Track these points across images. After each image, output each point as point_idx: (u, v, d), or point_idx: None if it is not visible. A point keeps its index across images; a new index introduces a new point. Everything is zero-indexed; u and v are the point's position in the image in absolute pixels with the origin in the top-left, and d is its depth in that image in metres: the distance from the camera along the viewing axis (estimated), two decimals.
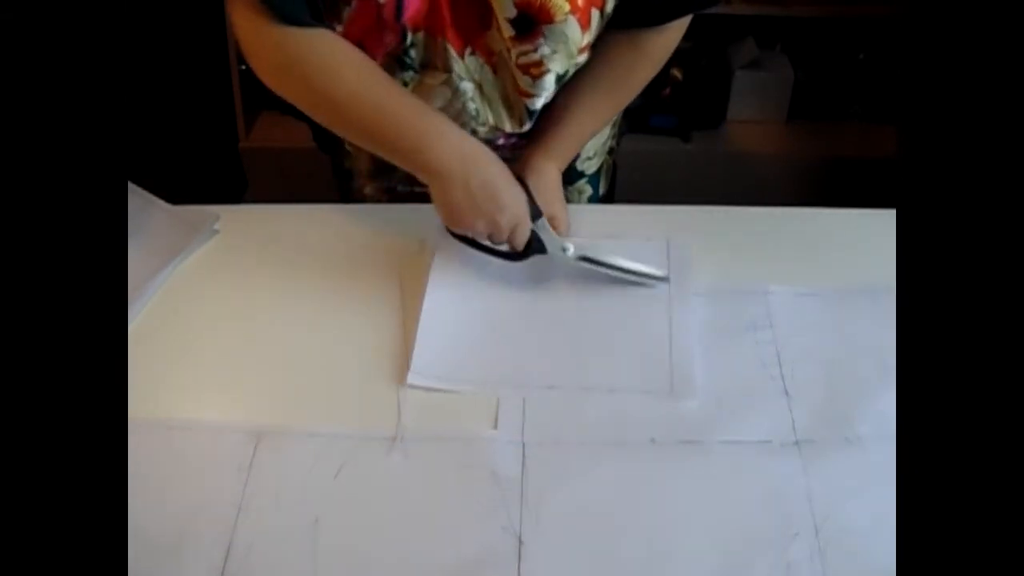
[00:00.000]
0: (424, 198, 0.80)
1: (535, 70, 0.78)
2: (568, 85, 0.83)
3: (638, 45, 0.82)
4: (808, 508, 0.62)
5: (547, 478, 0.65)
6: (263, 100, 1.89)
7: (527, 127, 0.85)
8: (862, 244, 0.83)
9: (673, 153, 1.88)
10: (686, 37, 0.85)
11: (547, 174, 0.83)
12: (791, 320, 0.75)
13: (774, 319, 0.75)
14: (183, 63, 1.89)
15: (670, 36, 0.83)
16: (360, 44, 0.76)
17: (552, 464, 0.65)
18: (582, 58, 0.79)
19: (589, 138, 0.90)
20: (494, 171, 0.75)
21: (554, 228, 0.79)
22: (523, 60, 0.77)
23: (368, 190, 0.99)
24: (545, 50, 0.76)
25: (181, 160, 1.83)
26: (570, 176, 0.95)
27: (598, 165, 0.99)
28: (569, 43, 0.76)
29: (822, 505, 0.62)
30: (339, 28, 0.75)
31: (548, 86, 0.80)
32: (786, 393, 0.70)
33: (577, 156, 0.93)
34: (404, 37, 0.76)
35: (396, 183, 0.95)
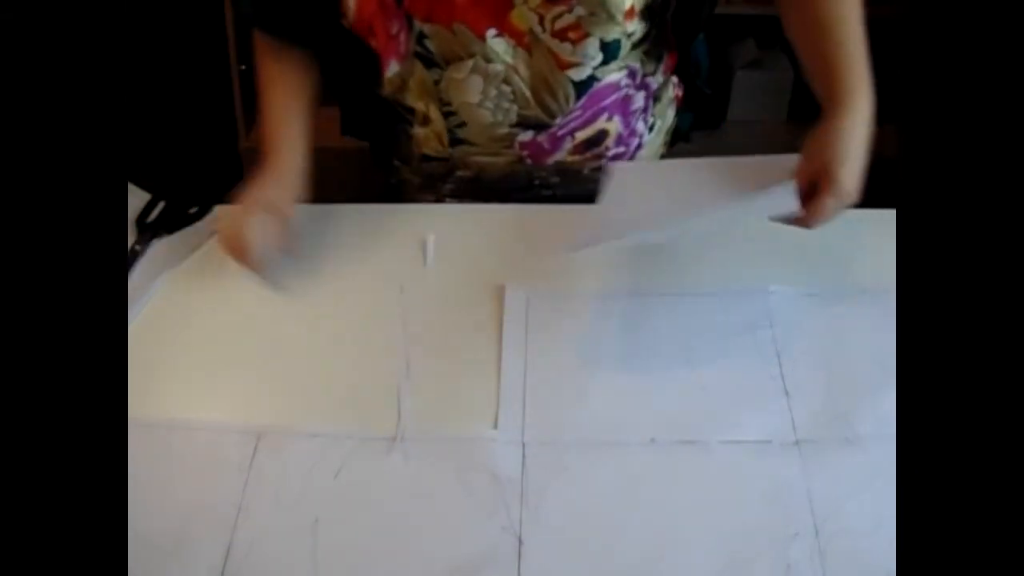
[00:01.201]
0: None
1: (573, 34, 0.75)
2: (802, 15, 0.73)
3: None
4: (808, 508, 0.62)
5: (547, 478, 0.65)
6: None
7: (574, 110, 0.83)
8: (862, 244, 0.83)
9: (673, 153, 1.87)
10: (686, 38, 0.85)
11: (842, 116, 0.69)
12: (791, 320, 0.75)
13: (774, 319, 0.75)
14: (183, 63, 1.89)
15: None
16: (372, 39, 0.77)
17: (552, 464, 0.65)
18: (631, 25, 0.76)
19: (864, 54, 0.73)
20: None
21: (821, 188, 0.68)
22: (559, 24, 0.74)
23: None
24: (580, 11, 0.73)
25: (181, 160, 1.83)
26: None
27: None
28: (608, 5, 0.73)
29: (822, 505, 0.62)
30: (346, 21, 0.76)
31: (592, 53, 0.77)
32: (786, 393, 0.70)
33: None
34: (411, 25, 0.76)
35: (445, 196, 0.95)
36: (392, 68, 0.79)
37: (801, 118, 1.93)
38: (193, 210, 0.89)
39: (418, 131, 0.88)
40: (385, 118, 0.90)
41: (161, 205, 0.89)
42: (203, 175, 1.86)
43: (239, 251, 0.74)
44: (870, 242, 0.83)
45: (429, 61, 0.79)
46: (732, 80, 1.88)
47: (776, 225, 0.86)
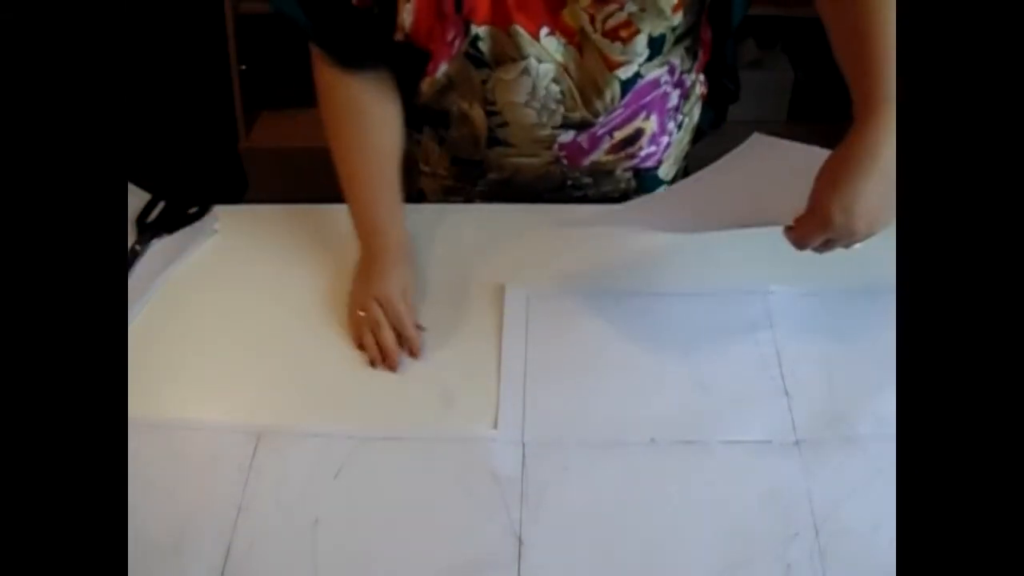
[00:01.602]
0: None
1: (624, 32, 0.75)
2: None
3: None
4: (808, 508, 0.62)
5: (547, 478, 0.65)
6: (263, 100, 1.89)
7: (618, 107, 0.82)
8: (862, 244, 0.83)
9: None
10: (721, 33, 0.85)
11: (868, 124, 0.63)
12: (791, 320, 0.75)
13: (774, 319, 0.75)
14: (183, 63, 1.89)
15: None
16: (427, 47, 0.76)
17: (552, 464, 0.65)
18: (676, 18, 0.76)
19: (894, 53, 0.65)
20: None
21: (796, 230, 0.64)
22: (611, 23, 0.74)
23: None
24: (632, 7, 0.73)
25: (181, 160, 1.83)
26: (651, 185, 0.93)
27: (675, 171, 0.96)
28: (659, 0, 0.73)
29: (822, 505, 0.62)
30: (401, 34, 0.75)
31: (640, 50, 0.77)
32: (786, 393, 0.70)
33: (659, 163, 0.91)
34: (468, 30, 0.75)
35: (473, 197, 0.95)
36: (441, 69, 0.79)
37: (801, 118, 1.94)
38: (193, 210, 0.89)
39: (452, 134, 0.87)
40: (414, 124, 0.89)
41: (161, 205, 0.89)
42: (203, 175, 1.86)
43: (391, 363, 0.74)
44: (870, 242, 0.83)
45: (479, 61, 0.78)
46: None
47: (776, 225, 0.86)
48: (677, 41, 0.81)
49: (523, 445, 0.67)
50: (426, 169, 0.94)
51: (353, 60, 0.79)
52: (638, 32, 0.75)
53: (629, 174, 0.90)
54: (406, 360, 0.73)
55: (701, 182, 0.70)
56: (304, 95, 1.03)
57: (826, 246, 0.64)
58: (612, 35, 0.75)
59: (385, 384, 0.72)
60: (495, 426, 0.68)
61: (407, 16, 0.74)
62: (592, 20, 0.74)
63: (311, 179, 1.20)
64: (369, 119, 0.81)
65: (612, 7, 0.73)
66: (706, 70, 0.91)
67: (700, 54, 0.87)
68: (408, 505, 0.64)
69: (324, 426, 0.69)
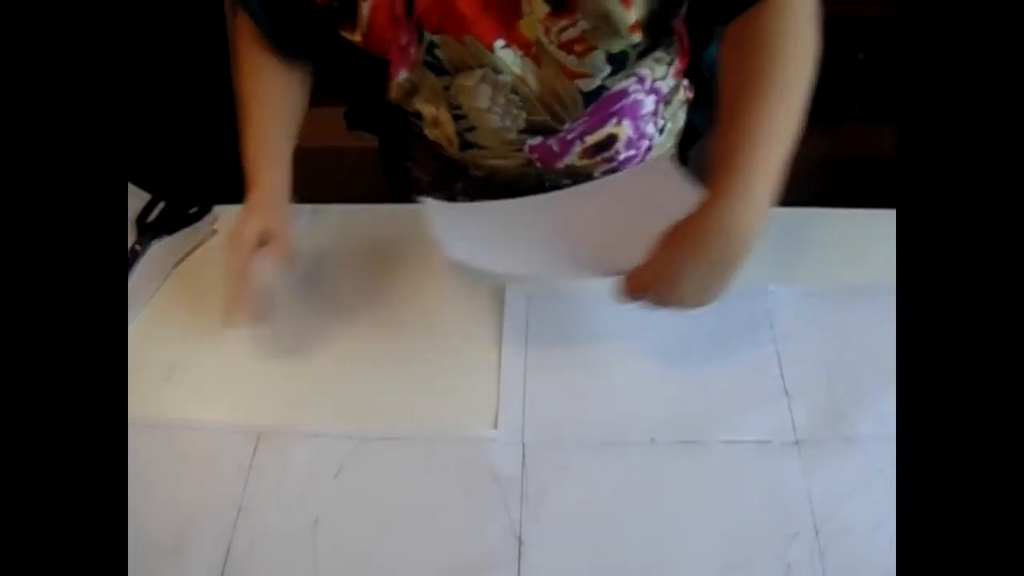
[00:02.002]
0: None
1: (579, 47, 0.74)
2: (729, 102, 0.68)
3: (754, 22, 0.68)
4: (808, 508, 0.62)
5: (547, 478, 0.65)
6: None
7: (583, 116, 0.82)
8: (862, 244, 0.83)
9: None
10: (701, 42, 0.84)
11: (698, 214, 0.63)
12: (791, 320, 0.75)
13: (774, 319, 0.75)
14: (183, 63, 1.89)
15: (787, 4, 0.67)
16: (384, 54, 0.76)
17: (552, 464, 0.65)
18: (636, 37, 0.75)
19: (777, 150, 0.66)
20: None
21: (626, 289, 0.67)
22: (564, 37, 0.73)
23: None
24: (584, 24, 0.73)
25: (181, 160, 1.83)
26: None
27: None
28: (612, 19, 0.72)
29: (822, 505, 0.62)
30: (358, 34, 0.75)
31: (600, 65, 0.76)
32: (786, 393, 0.70)
33: None
34: (421, 36, 0.76)
35: (456, 194, 0.95)
36: (401, 75, 0.79)
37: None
38: (193, 210, 0.89)
39: (429, 132, 0.87)
40: (393, 120, 0.90)
41: (161, 205, 0.90)
42: (203, 175, 1.86)
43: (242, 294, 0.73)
44: (870, 242, 0.83)
45: (439, 69, 0.78)
46: None
47: (776, 225, 0.86)
48: (643, 55, 0.81)
49: (523, 445, 0.67)
50: (409, 165, 0.95)
51: (292, 54, 0.81)
52: (594, 48, 0.75)
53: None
54: (406, 360, 0.73)
55: (579, 196, 0.73)
56: None
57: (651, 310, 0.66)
58: (567, 48, 0.75)
59: (385, 384, 0.72)
60: (495, 426, 0.68)
61: (364, 14, 0.74)
62: (547, 32, 0.74)
63: (311, 179, 1.20)
64: (277, 85, 0.84)
65: (564, 22, 0.73)
66: (689, 74, 0.90)
67: (677, 61, 0.86)
68: (408, 505, 0.64)
69: (324, 426, 0.69)
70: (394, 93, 0.82)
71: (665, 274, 0.64)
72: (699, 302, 0.65)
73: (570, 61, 0.76)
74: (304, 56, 0.83)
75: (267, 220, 0.75)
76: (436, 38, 0.75)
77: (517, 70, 0.77)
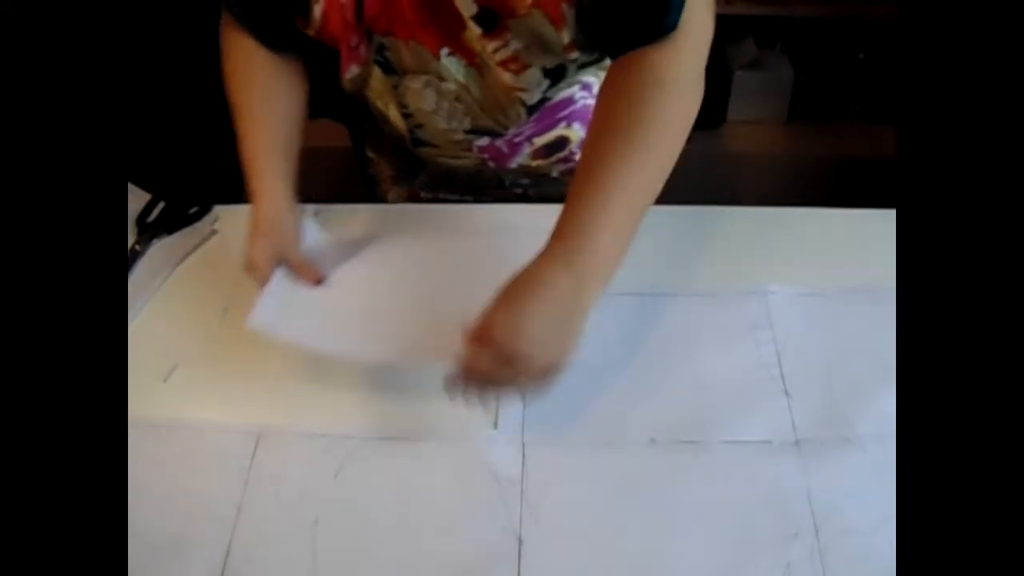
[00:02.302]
0: (447, 204, 0.80)
1: (514, 65, 0.75)
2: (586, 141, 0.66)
3: (638, 64, 0.66)
4: (808, 508, 0.62)
5: (547, 478, 0.65)
6: None
7: (528, 122, 0.83)
8: (862, 244, 0.83)
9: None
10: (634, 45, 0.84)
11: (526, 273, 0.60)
12: (791, 320, 0.75)
13: (774, 319, 0.75)
14: (183, 63, 1.89)
15: (675, 55, 0.66)
16: (336, 48, 0.76)
17: (552, 464, 0.65)
18: (573, 55, 0.75)
19: (624, 217, 0.62)
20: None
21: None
22: (500, 56, 0.74)
23: (392, 196, 1.00)
24: (516, 45, 0.73)
25: (181, 160, 1.83)
26: None
27: None
28: (543, 38, 0.71)
29: (822, 505, 0.62)
30: (311, 31, 0.75)
31: (536, 81, 0.77)
32: (786, 393, 0.70)
33: None
34: (370, 39, 0.76)
35: (419, 189, 0.95)
36: (352, 70, 0.79)
37: (801, 118, 1.94)
38: (193, 210, 0.89)
39: (383, 127, 0.88)
40: (355, 111, 0.90)
41: (161, 205, 0.90)
42: (203, 175, 1.86)
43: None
44: (870, 242, 0.83)
45: (388, 68, 0.79)
46: (731, 80, 1.88)
47: (776, 225, 0.86)
48: (583, 67, 0.80)
49: (523, 445, 0.67)
50: (372, 156, 0.95)
51: (274, 43, 0.79)
52: (528, 66, 0.75)
53: (569, 177, 0.90)
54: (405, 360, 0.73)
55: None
56: None
57: (494, 380, 0.60)
58: (503, 66, 0.76)
59: (385, 384, 0.72)
60: (495, 426, 0.68)
61: (316, 16, 0.74)
62: (484, 49, 0.75)
63: (311, 179, 1.20)
64: (270, 88, 0.80)
65: (497, 43, 0.73)
66: None
67: None
68: (408, 505, 0.64)
69: (324, 426, 0.69)
70: (346, 85, 0.83)
71: (513, 320, 0.58)
72: (557, 353, 0.60)
73: (507, 78, 0.77)
74: (293, 48, 0.80)
75: (275, 243, 0.73)
76: (386, 40, 0.75)
77: (461, 78, 0.78)
